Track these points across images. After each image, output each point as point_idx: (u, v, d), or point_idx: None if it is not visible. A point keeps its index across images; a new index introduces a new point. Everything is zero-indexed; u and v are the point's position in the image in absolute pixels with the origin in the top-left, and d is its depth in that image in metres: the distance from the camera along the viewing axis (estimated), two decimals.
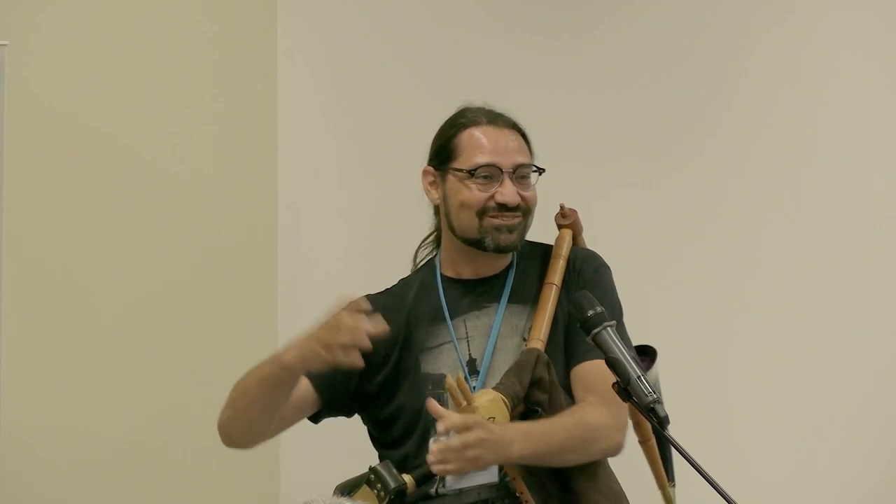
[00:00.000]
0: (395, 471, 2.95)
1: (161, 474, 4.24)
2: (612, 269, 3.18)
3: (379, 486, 2.95)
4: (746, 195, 4.63)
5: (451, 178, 3.07)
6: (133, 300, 4.26)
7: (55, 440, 4.19)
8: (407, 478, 2.94)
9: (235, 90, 4.39)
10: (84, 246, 4.25)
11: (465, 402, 2.84)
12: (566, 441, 2.95)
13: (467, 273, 3.12)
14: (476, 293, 3.10)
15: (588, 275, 3.11)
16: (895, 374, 4.58)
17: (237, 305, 4.32)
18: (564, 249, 3.13)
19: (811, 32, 4.69)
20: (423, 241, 3.24)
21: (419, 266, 3.22)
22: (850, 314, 4.59)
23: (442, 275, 3.13)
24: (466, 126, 3.09)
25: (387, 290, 3.18)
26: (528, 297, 3.09)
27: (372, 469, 2.96)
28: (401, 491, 2.93)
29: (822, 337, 4.59)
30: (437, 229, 3.19)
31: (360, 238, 4.42)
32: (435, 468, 2.87)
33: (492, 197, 3.04)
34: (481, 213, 3.04)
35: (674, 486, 3.20)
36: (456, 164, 3.06)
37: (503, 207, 3.04)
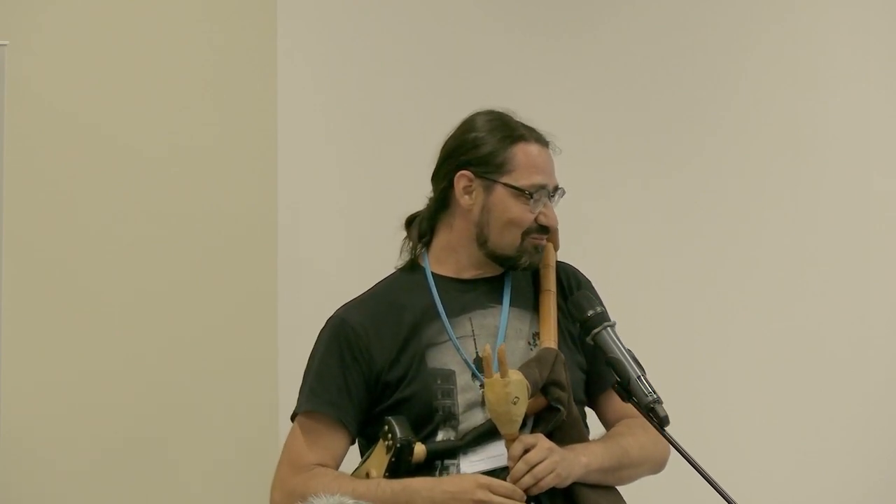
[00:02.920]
0: (407, 426, 2.98)
1: (161, 475, 4.24)
2: (611, 268, 3.21)
3: (389, 435, 2.98)
4: (746, 195, 4.63)
5: (500, 191, 3.07)
6: (133, 300, 4.26)
7: (55, 440, 4.18)
8: (419, 445, 2.97)
9: (235, 90, 4.39)
10: (84, 246, 4.25)
11: (495, 374, 2.86)
12: (624, 458, 3.03)
13: (468, 274, 3.14)
14: (478, 291, 3.12)
15: (587, 287, 3.16)
16: (895, 374, 4.58)
17: (237, 305, 4.32)
18: (552, 260, 3.17)
19: (811, 32, 4.69)
20: (409, 237, 3.21)
21: (401, 267, 3.20)
22: (850, 314, 4.60)
23: (435, 273, 3.14)
24: (518, 140, 3.09)
25: (373, 292, 3.17)
26: (526, 302, 3.12)
27: (386, 419, 3.00)
28: (408, 444, 2.96)
29: (822, 337, 4.59)
30: (431, 222, 3.17)
31: (360, 238, 4.41)
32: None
33: (535, 218, 3.07)
34: (526, 232, 3.07)
35: None
36: (509, 180, 3.06)
37: (544, 230, 3.08)
